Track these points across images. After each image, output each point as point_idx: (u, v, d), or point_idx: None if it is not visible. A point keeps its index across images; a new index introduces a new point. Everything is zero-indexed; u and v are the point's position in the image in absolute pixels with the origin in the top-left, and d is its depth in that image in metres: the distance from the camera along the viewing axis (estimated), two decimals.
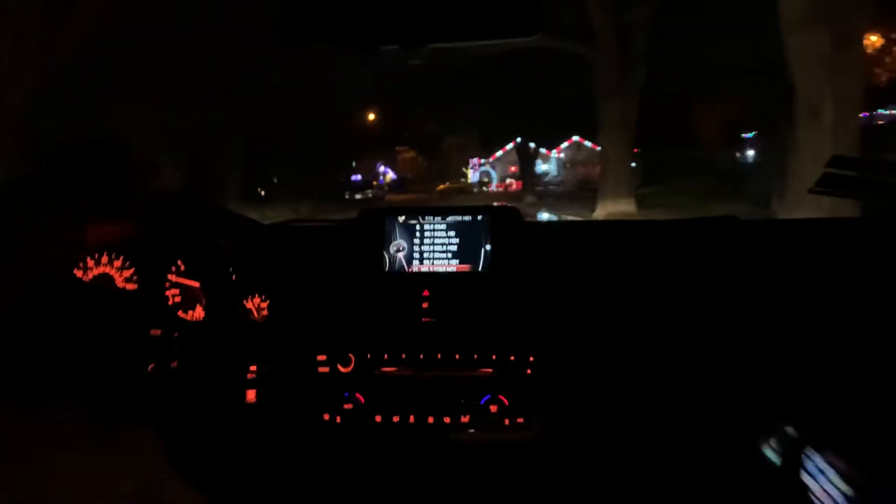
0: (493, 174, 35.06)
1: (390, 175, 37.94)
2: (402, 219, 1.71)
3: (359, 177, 34.07)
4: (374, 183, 34.53)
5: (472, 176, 35.45)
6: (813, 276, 1.57)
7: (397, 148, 37.95)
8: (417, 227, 1.71)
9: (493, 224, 1.67)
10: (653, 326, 1.57)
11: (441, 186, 33.01)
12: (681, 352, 1.54)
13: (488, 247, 1.65)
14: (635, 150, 16.74)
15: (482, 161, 35.72)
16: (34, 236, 0.93)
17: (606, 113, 14.65)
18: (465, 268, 1.66)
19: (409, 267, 1.68)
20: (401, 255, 1.69)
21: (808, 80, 6.80)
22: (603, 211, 14.39)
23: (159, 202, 1.54)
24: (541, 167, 32.57)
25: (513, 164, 34.91)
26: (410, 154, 38.59)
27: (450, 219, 1.69)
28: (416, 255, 1.69)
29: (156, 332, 1.54)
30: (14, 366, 0.88)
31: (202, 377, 1.46)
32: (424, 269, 1.67)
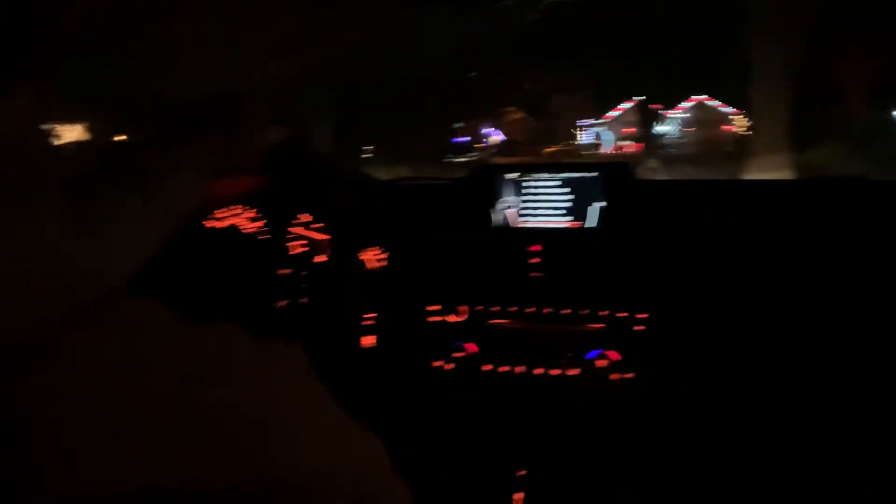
0: (606, 136, 34.14)
1: (496, 137, 37.75)
2: (512, 175, 1.80)
3: (464, 139, 34.20)
4: (479, 145, 34.50)
5: (583, 138, 34.61)
6: None
7: (504, 109, 37.64)
8: (528, 183, 1.79)
9: (605, 180, 1.72)
10: (770, 289, 1.59)
11: (549, 149, 32.54)
12: (796, 317, 1.55)
13: (599, 203, 1.71)
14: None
15: (594, 122, 34.74)
16: (173, 186, 1.08)
17: (763, 55, 13.23)
18: (576, 223, 1.73)
19: (519, 222, 1.77)
20: (511, 210, 1.79)
21: None
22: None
23: (285, 156, 1.71)
24: (659, 129, 31.32)
25: (628, 126, 33.61)
26: (518, 115, 38.12)
27: (561, 175, 1.76)
28: (527, 211, 1.78)
29: (284, 271, 1.74)
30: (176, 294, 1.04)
31: (327, 315, 1.64)
32: (535, 224, 1.75)
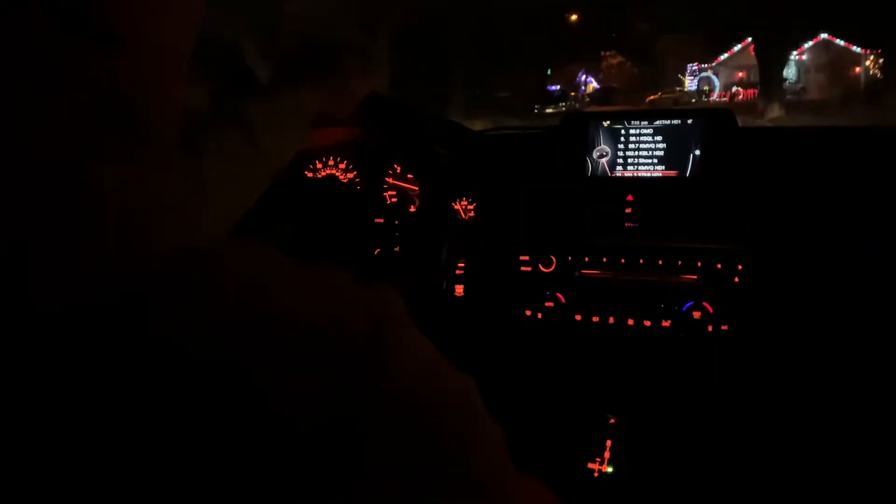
0: (716, 81, 32.50)
1: (593, 84, 36.63)
2: (606, 123, 1.84)
3: (556, 87, 33.38)
4: (573, 94, 33.58)
5: (690, 84, 33.08)
6: None
7: (602, 52, 36.36)
8: (623, 131, 1.83)
9: (704, 128, 1.74)
10: (876, 249, 1.58)
11: (652, 97, 31.33)
12: None
13: (697, 152, 1.74)
14: None
15: (702, 66, 33.10)
16: (277, 136, 1.19)
17: None
18: (672, 173, 1.76)
19: (612, 172, 1.82)
20: (605, 160, 1.83)
21: None
22: None
23: (378, 107, 1.82)
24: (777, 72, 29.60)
25: (740, 70, 31.96)
26: (617, 59, 36.78)
27: (657, 123, 1.79)
28: (621, 160, 1.82)
29: (379, 220, 1.85)
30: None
31: (421, 261, 1.75)
32: (629, 174, 1.80)
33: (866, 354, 1.54)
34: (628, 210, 1.75)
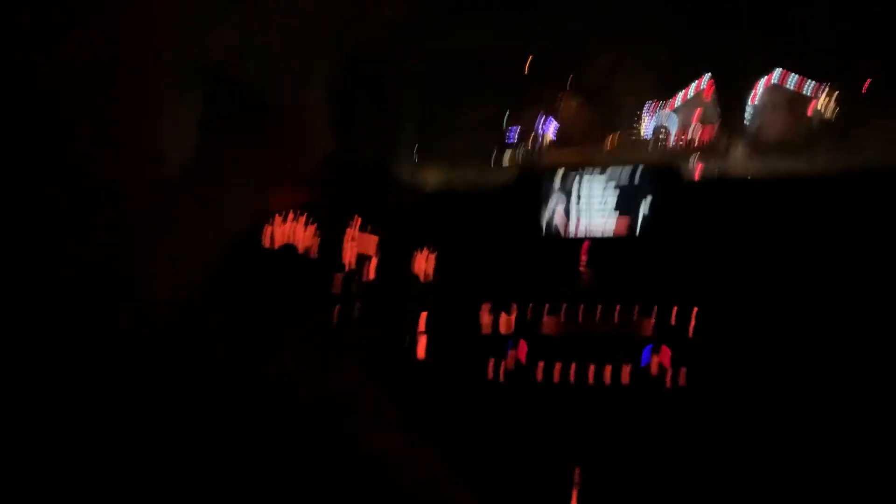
0: (674, 120, 33.27)
1: (553, 126, 37.10)
2: (559, 179, 1.91)
3: (516, 129, 33.72)
4: (531, 137, 33.83)
5: (648, 124, 33.82)
6: None
7: (560, 94, 36.96)
8: (575, 186, 1.90)
9: (654, 182, 1.82)
10: (820, 287, 1.66)
11: (611, 136, 31.96)
12: (847, 318, 1.63)
13: (648, 205, 1.81)
14: None
15: (660, 106, 33.87)
16: (229, 196, 1.24)
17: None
18: (626, 224, 1.83)
19: (567, 224, 1.89)
20: (559, 211, 1.90)
21: None
22: None
23: (336, 165, 1.88)
24: (734, 112, 30.37)
25: (698, 109, 32.72)
26: (576, 101, 37.45)
27: (608, 178, 1.87)
28: (575, 212, 1.89)
29: (336, 287, 1.88)
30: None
31: (378, 326, 1.78)
32: (583, 226, 1.86)
33: (817, 399, 1.62)
34: (584, 264, 1.82)
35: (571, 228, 1.71)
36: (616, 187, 1.78)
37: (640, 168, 1.70)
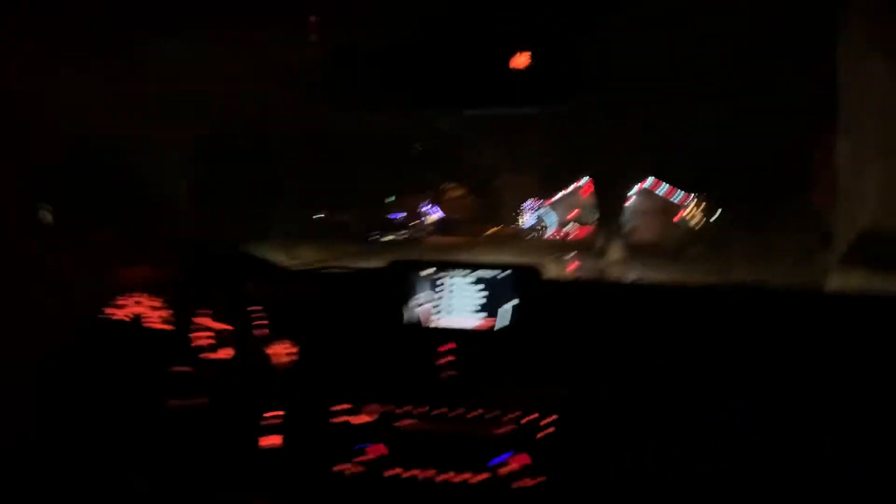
0: (553, 217, 34.95)
1: (436, 215, 38.01)
2: (428, 272, 1.96)
3: (400, 215, 34.27)
4: (414, 223, 34.52)
5: (528, 220, 35.36)
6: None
7: (445, 185, 38.19)
8: (442, 281, 1.95)
9: (517, 281, 1.90)
10: (674, 390, 1.77)
11: (491, 230, 33.00)
12: (702, 420, 1.73)
13: (511, 304, 1.88)
14: None
15: (539, 203, 35.66)
16: (71, 275, 1.19)
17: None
18: (489, 323, 1.89)
19: (432, 320, 1.93)
20: (425, 308, 1.94)
21: None
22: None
23: (189, 246, 1.83)
24: (608, 213, 32.19)
25: (574, 208, 34.81)
26: (459, 192, 38.73)
27: (475, 274, 1.94)
28: (441, 309, 1.93)
29: (180, 369, 1.81)
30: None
31: (222, 418, 1.71)
32: (448, 323, 1.91)
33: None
34: (447, 359, 1.84)
35: (437, 325, 1.79)
36: (479, 288, 1.88)
37: (509, 268, 1.82)
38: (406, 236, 30.49)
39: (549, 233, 35.82)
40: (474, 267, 1.96)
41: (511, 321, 1.88)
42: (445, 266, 1.97)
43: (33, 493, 0.94)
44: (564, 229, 35.34)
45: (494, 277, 1.93)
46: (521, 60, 1.39)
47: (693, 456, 1.74)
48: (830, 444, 1.67)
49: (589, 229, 32.11)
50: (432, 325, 1.91)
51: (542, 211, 38.15)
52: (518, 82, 1.44)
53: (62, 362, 1.14)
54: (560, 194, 37.07)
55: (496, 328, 1.89)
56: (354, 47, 1.51)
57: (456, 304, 1.92)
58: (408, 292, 1.94)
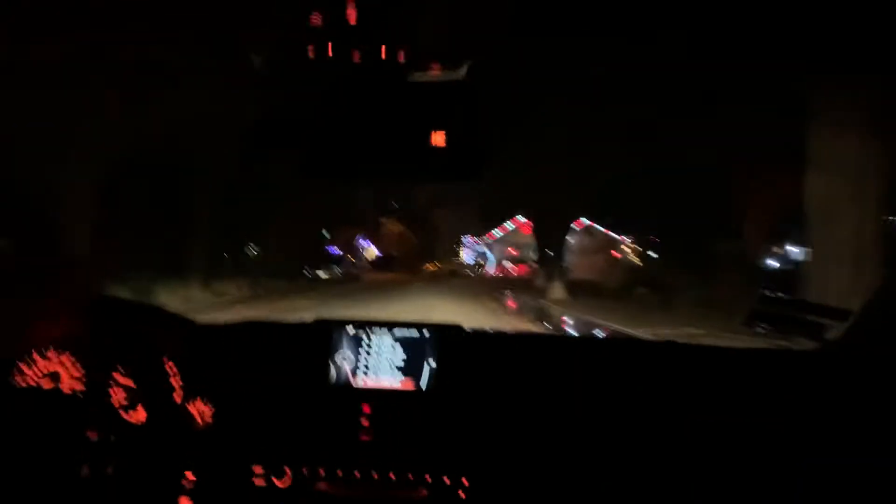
0: (490, 256, 35.42)
1: (372, 249, 38.09)
2: (350, 330, 1.99)
3: (334, 250, 34.23)
4: (348, 257, 34.42)
5: (466, 257, 35.71)
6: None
7: (381, 219, 38.25)
8: (365, 339, 1.99)
9: (438, 340, 1.95)
10: (593, 449, 1.83)
11: (430, 266, 33.18)
12: (619, 476, 1.80)
13: (432, 363, 1.93)
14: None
15: (477, 241, 36.09)
16: None
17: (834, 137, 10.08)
18: (409, 384, 1.93)
19: (354, 380, 1.96)
20: (347, 367, 1.96)
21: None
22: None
23: (102, 303, 1.82)
24: (547, 251, 32.64)
25: (513, 247, 35.35)
26: (397, 227, 38.93)
27: (396, 333, 1.98)
28: (362, 369, 1.96)
29: (93, 434, 1.78)
30: None
31: (135, 482, 1.69)
32: (369, 383, 1.94)
33: None
34: (365, 423, 1.87)
35: (356, 384, 1.82)
36: (402, 346, 1.93)
37: (424, 330, 1.90)
38: (339, 272, 30.39)
39: (488, 269, 36.27)
40: (398, 325, 2.00)
41: (432, 381, 1.92)
42: (369, 325, 2.00)
43: None
44: (502, 267, 35.81)
45: (417, 336, 1.97)
46: (436, 140, 1.47)
47: None
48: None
49: (527, 268, 32.67)
50: (354, 384, 1.94)
51: (480, 249, 38.60)
52: (432, 159, 1.52)
53: None
54: (498, 233, 37.63)
55: (418, 388, 1.93)
56: (280, 118, 1.57)
57: (378, 363, 1.96)
58: (330, 350, 1.97)
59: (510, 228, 32.79)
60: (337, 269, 29.30)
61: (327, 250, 32.80)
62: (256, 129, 1.53)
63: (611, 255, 30.12)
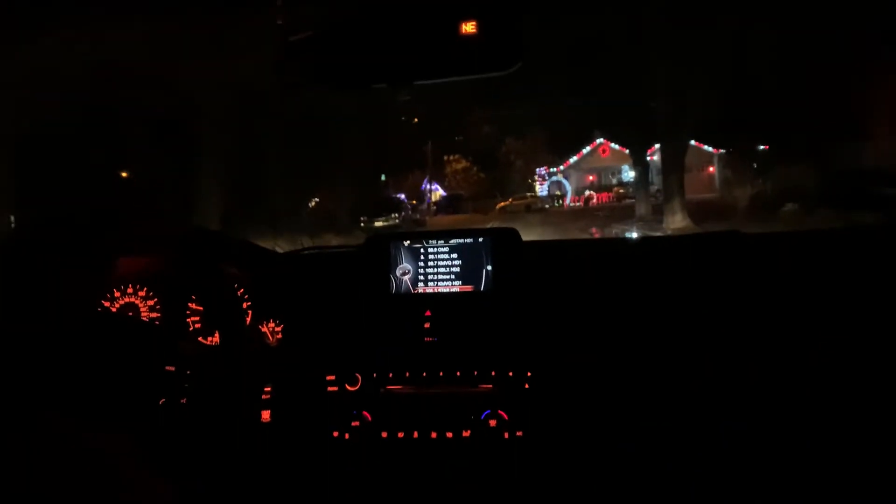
0: (567, 185, 34.83)
1: (439, 192, 37.95)
2: (406, 243, 2.22)
3: (399, 196, 34.25)
4: (414, 202, 34.18)
5: (541, 189, 35.16)
6: (820, 292, 2.00)
7: (446, 157, 38.00)
8: (422, 250, 2.21)
9: (494, 245, 2.16)
10: (651, 345, 2.02)
11: (502, 203, 32.93)
12: (677, 372, 1.98)
13: (489, 267, 2.14)
14: None
15: (552, 170, 35.39)
16: (67, 270, 1.42)
17: None
18: (468, 288, 2.15)
19: (413, 289, 2.19)
20: (406, 277, 2.19)
21: None
22: None
23: (177, 236, 2.08)
24: (627, 174, 32.07)
25: (591, 173, 34.67)
26: (462, 164, 38.58)
27: (452, 242, 2.19)
28: (421, 278, 2.19)
29: (170, 367, 2.05)
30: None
31: (216, 406, 1.95)
32: (429, 290, 2.17)
33: (648, 454, 1.94)
34: (428, 325, 2.10)
35: (416, 293, 2.01)
36: (458, 254, 2.09)
37: (480, 236, 2.05)
38: (398, 220, 30.14)
39: (567, 200, 35.73)
40: (454, 235, 2.21)
41: (490, 284, 2.13)
42: (423, 236, 2.22)
43: None
44: (583, 196, 35.26)
45: (472, 242, 2.18)
46: (466, 30, 1.60)
47: (667, 417, 2.00)
48: None
49: (609, 195, 32.17)
50: (414, 292, 2.17)
51: (556, 178, 37.91)
52: (463, 52, 1.65)
53: (63, 357, 1.34)
54: (574, 159, 36.95)
55: (476, 291, 2.14)
56: (304, 27, 1.72)
57: (437, 271, 2.18)
58: (388, 264, 2.20)
59: (586, 152, 32.27)
60: (395, 216, 29.20)
61: (390, 197, 32.94)
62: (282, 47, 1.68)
63: (704, 169, 29.37)
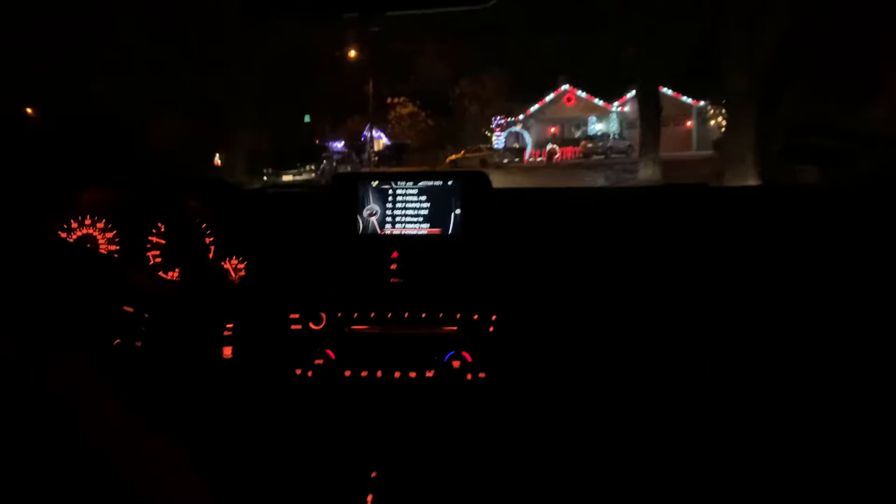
0: (527, 137, 34.04)
1: (383, 140, 36.97)
2: (374, 183, 2.45)
3: (339, 144, 33.45)
4: (352, 152, 32.89)
5: (497, 141, 34.35)
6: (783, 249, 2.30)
7: (390, 99, 36.84)
8: (390, 191, 2.44)
9: (463, 189, 2.40)
10: (616, 294, 2.29)
11: (453, 156, 32.30)
12: (643, 325, 2.26)
13: (458, 211, 2.38)
14: None
15: (510, 120, 34.56)
16: (25, 198, 1.59)
17: None
18: (435, 231, 2.40)
19: (381, 230, 2.43)
20: (373, 218, 2.43)
21: None
22: None
23: (140, 168, 2.28)
24: (592, 127, 31.79)
25: (553, 123, 33.99)
26: (408, 108, 37.35)
27: (421, 184, 2.43)
28: (389, 219, 2.43)
29: (128, 308, 2.23)
30: None
31: (174, 345, 2.15)
32: (396, 231, 2.41)
33: (610, 398, 2.22)
34: (394, 266, 2.34)
35: (383, 234, 2.16)
36: (427, 196, 2.25)
37: (449, 178, 2.19)
38: (318, 173, 28.19)
39: (527, 154, 35.16)
40: (420, 177, 2.44)
41: (458, 227, 2.37)
42: (391, 177, 2.44)
43: None
44: (545, 150, 34.83)
45: (441, 185, 2.41)
46: None
47: (635, 363, 2.27)
48: None
49: (574, 149, 32.10)
50: (381, 233, 2.39)
51: (514, 129, 37.06)
52: None
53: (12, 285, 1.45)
54: (535, 107, 36.19)
55: (444, 233, 2.38)
56: None
57: (404, 213, 2.41)
58: (356, 204, 2.42)
59: (549, 100, 31.88)
60: (311, 168, 28.45)
61: (313, 144, 31.75)
62: None
63: (682, 122, 29.55)
